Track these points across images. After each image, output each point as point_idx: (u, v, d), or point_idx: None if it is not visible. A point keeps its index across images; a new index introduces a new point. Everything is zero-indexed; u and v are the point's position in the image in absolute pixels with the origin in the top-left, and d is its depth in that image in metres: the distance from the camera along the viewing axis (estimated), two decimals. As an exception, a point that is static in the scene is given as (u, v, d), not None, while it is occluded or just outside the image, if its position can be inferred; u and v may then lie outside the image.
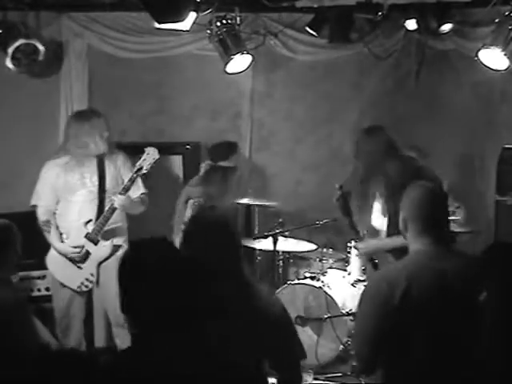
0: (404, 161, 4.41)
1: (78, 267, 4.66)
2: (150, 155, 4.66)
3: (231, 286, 2.80)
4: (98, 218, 4.64)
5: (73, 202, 4.69)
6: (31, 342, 3.19)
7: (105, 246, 4.64)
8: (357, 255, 5.22)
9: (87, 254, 4.64)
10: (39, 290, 5.11)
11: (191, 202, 4.73)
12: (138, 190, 4.79)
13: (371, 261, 4.68)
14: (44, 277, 5.05)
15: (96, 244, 4.63)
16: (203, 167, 4.84)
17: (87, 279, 4.66)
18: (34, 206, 4.73)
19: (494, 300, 2.76)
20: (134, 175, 4.64)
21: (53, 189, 4.71)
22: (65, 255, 4.65)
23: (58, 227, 4.69)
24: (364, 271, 5.28)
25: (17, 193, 5.35)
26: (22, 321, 3.17)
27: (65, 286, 4.70)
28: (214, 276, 2.77)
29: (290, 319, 3.03)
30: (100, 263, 4.67)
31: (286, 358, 2.92)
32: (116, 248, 4.68)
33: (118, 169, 4.78)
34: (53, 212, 4.72)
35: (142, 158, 4.66)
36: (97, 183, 4.69)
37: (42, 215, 4.70)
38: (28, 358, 2.61)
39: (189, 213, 4.69)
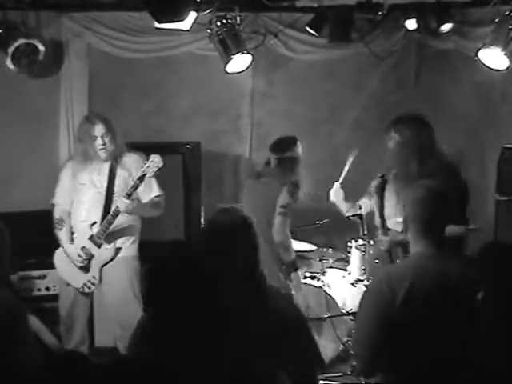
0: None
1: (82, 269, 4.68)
2: (154, 163, 4.60)
3: (249, 290, 2.75)
4: (103, 220, 4.65)
5: (81, 202, 4.71)
6: (28, 344, 3.17)
7: (107, 250, 4.65)
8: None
9: (90, 258, 4.65)
10: (39, 290, 5.11)
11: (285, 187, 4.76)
12: (150, 193, 4.75)
13: (389, 254, 4.55)
14: (44, 277, 5.06)
15: (99, 247, 4.64)
16: (272, 161, 4.87)
17: (89, 281, 4.67)
18: (53, 205, 4.80)
19: (491, 300, 2.76)
20: (137, 182, 4.61)
21: (67, 189, 4.76)
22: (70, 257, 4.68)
23: (71, 227, 4.74)
24: (364, 271, 5.28)
25: (17, 192, 5.36)
26: (17, 322, 3.16)
27: (69, 285, 4.72)
28: (232, 277, 2.72)
29: (306, 326, 2.96)
30: (103, 265, 4.68)
31: (300, 366, 2.83)
32: (118, 251, 4.68)
33: (129, 170, 4.75)
34: (67, 211, 4.76)
35: (145, 165, 4.64)
36: (105, 184, 4.69)
37: (56, 213, 4.77)
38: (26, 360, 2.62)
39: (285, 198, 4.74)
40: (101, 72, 5.67)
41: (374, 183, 4.54)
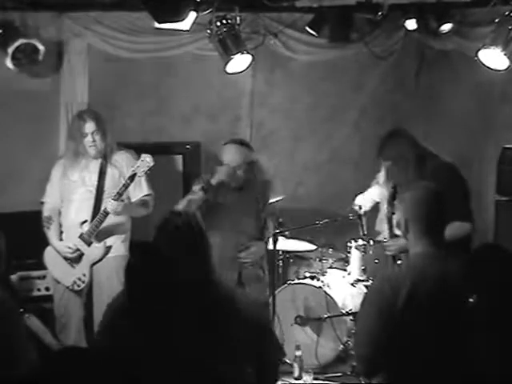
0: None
1: (72, 266, 4.70)
2: (145, 162, 4.63)
3: (203, 290, 2.79)
4: (93, 218, 4.66)
5: (72, 200, 4.76)
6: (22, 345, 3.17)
7: (97, 248, 4.68)
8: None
9: (81, 255, 4.67)
10: (39, 290, 5.11)
11: None
12: (140, 192, 4.79)
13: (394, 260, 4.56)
14: (44, 277, 5.06)
15: (89, 245, 4.66)
16: None
17: (79, 279, 4.71)
18: (43, 203, 4.84)
19: (485, 302, 2.76)
20: (128, 181, 4.63)
21: (57, 187, 4.81)
22: (59, 253, 4.70)
23: (60, 225, 4.77)
24: (364, 271, 5.28)
25: (17, 193, 5.35)
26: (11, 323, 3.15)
27: (59, 283, 4.76)
28: (185, 279, 2.75)
29: (266, 319, 3.00)
30: (93, 264, 4.70)
31: (262, 358, 2.90)
32: (108, 250, 4.70)
33: (120, 169, 4.78)
34: (57, 209, 4.79)
35: (136, 165, 4.66)
36: (95, 183, 4.72)
37: (45, 211, 4.81)
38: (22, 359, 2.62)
39: None
40: (101, 72, 5.67)
41: (381, 177, 4.57)
